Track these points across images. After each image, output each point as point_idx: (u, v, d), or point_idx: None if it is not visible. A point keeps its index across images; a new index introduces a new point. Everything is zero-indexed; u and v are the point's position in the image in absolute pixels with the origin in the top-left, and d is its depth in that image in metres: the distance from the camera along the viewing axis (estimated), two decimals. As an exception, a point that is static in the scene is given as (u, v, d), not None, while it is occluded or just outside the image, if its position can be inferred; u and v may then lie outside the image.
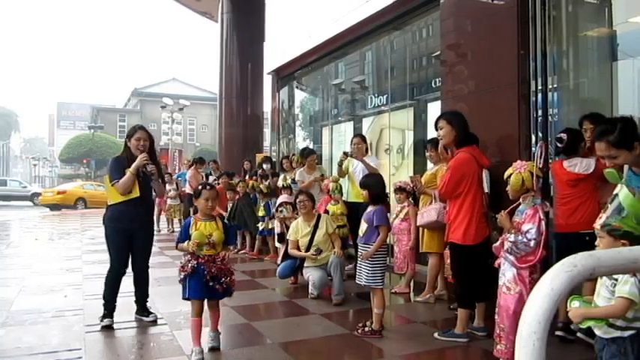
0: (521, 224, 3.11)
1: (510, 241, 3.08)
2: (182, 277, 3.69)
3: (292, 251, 5.83)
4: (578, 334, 3.94)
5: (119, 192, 4.38)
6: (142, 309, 4.69)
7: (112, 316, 4.46)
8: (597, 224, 2.24)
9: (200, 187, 3.89)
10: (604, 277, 2.26)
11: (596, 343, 2.32)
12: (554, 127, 5.05)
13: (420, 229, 5.54)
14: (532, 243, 3.03)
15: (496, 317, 3.19)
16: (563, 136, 4.04)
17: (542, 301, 0.95)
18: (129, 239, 4.50)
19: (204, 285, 3.65)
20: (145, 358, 3.71)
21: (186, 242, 3.72)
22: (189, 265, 3.65)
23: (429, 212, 5.22)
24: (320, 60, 10.60)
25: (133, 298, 4.70)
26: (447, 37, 6.10)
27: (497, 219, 3.20)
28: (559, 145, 4.06)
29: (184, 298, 3.74)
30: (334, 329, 4.48)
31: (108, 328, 4.35)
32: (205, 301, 3.79)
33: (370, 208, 4.36)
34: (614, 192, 2.41)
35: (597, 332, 2.23)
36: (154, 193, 4.83)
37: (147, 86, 51.32)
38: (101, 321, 4.41)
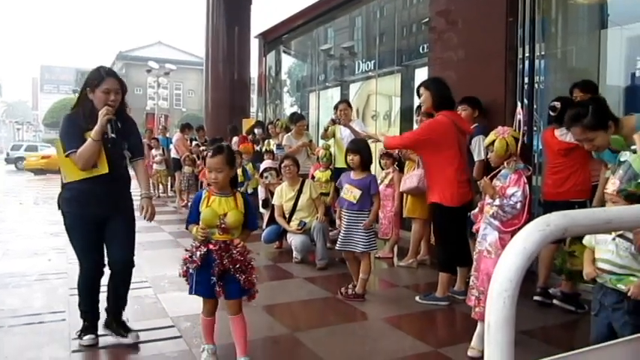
0: (505, 188, 3.13)
1: (496, 205, 3.08)
2: (185, 268, 2.92)
3: (279, 219, 5.85)
4: (555, 301, 4.03)
5: (78, 166, 3.05)
6: (117, 323, 3.36)
7: (94, 330, 3.31)
8: (610, 190, 2.25)
9: (206, 153, 3.21)
10: (611, 242, 2.29)
11: (604, 296, 2.34)
12: (541, 95, 5.05)
13: (404, 194, 5.57)
14: (519, 205, 3.05)
15: (473, 281, 3.23)
16: (557, 104, 3.99)
17: (515, 260, 0.95)
18: (99, 228, 3.20)
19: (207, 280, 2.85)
20: (128, 320, 3.73)
21: (194, 227, 2.89)
22: (198, 254, 2.82)
23: (410, 178, 5.25)
24: (308, 24, 10.45)
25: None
26: (436, 3, 6.03)
27: (480, 185, 3.21)
28: (552, 113, 4.03)
29: (190, 293, 2.94)
30: (318, 293, 4.54)
31: (92, 347, 3.23)
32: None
33: (362, 174, 4.33)
34: (621, 159, 2.41)
35: (622, 287, 2.25)
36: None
37: (132, 49, 50.28)
38: (80, 337, 3.25)
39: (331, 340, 3.47)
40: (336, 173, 6.34)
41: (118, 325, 3.35)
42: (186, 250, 2.94)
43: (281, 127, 7.98)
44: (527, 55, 4.95)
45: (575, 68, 5.50)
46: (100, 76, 3.13)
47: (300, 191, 5.74)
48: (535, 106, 4.96)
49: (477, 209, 3.33)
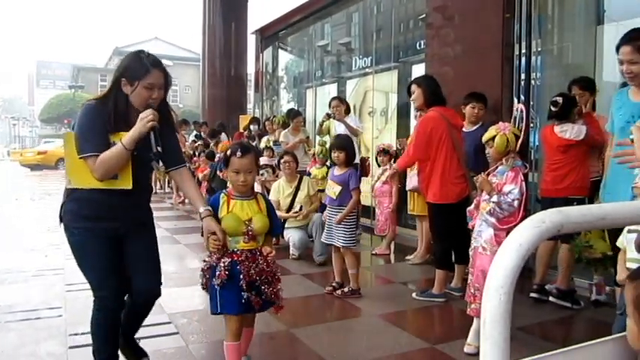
0: (502, 185, 3.13)
1: (493, 202, 3.09)
2: (205, 279, 2.58)
3: (277, 212, 5.85)
4: (551, 298, 4.05)
5: (96, 174, 2.35)
6: (130, 347, 2.83)
7: None
8: None
9: (229, 153, 2.63)
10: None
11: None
12: (537, 91, 5.06)
13: (409, 192, 5.58)
14: (516, 203, 3.05)
15: (470, 278, 3.24)
16: (559, 99, 3.97)
17: (510, 256, 0.96)
18: (116, 247, 2.53)
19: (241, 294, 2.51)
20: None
21: (210, 236, 2.50)
22: (222, 265, 2.48)
23: (416, 176, 5.19)
24: (305, 20, 10.43)
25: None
26: (433, -1, 6.02)
27: (477, 181, 3.21)
28: (553, 108, 4.00)
29: (214, 313, 2.57)
30: (315, 289, 4.54)
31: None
32: None
33: (343, 170, 4.31)
34: None
35: None
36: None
37: (129, 45, 50.10)
38: None
39: (328, 337, 3.48)
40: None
41: (131, 350, 2.82)
42: (205, 261, 2.61)
43: (278, 124, 7.99)
44: (523, 51, 4.96)
45: (571, 64, 5.50)
46: (144, 66, 2.39)
47: (297, 188, 5.74)
48: (532, 103, 4.97)
49: (472, 205, 3.34)
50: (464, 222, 4.14)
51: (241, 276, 2.48)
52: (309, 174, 6.34)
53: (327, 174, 6.27)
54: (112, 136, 2.38)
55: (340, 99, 6.65)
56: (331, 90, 9.89)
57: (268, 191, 6.26)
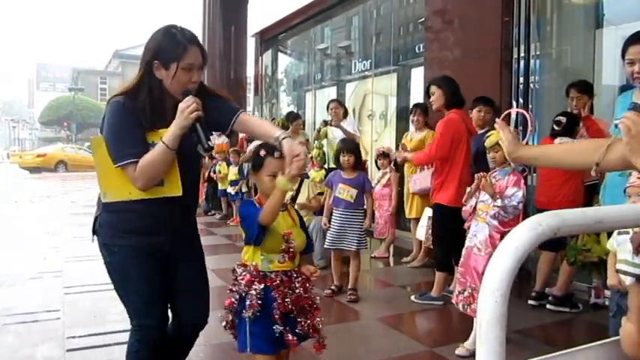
0: (503, 188, 3.13)
1: (498, 206, 3.09)
2: (232, 316, 2.17)
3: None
4: (548, 305, 4.03)
5: (138, 184, 1.96)
6: None
7: None
8: (638, 183, 2.25)
9: (263, 153, 2.17)
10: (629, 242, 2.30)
11: (622, 298, 2.35)
12: (536, 94, 5.07)
13: (406, 194, 5.58)
14: (520, 206, 3.07)
15: (461, 279, 3.23)
16: (562, 119, 3.97)
17: (506, 259, 0.96)
18: (162, 266, 2.12)
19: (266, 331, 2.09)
20: (123, 318, 3.72)
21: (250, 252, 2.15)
22: (254, 293, 2.06)
23: (424, 179, 5.11)
24: (304, 23, 10.44)
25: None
26: (432, 3, 6.04)
27: (481, 182, 3.19)
28: (556, 127, 4.00)
29: (242, 351, 2.15)
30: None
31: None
32: None
33: (354, 173, 4.33)
34: None
35: None
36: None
37: (128, 48, 50.20)
38: None
39: (326, 340, 3.46)
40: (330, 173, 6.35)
41: None
42: (231, 291, 2.16)
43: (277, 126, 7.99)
44: (522, 54, 4.97)
45: (570, 68, 5.51)
46: (179, 44, 1.96)
47: (297, 191, 5.74)
48: (530, 106, 4.97)
49: (468, 206, 3.33)
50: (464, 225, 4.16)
51: (275, 304, 2.06)
52: (307, 176, 6.34)
53: (324, 177, 6.29)
54: (149, 135, 1.98)
55: (339, 102, 6.66)
56: (331, 93, 9.89)
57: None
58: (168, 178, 2.00)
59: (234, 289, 2.14)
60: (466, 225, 3.35)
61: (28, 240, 6.59)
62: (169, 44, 1.97)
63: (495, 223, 3.08)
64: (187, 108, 1.91)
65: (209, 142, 1.96)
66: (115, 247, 2.07)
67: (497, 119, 1.70)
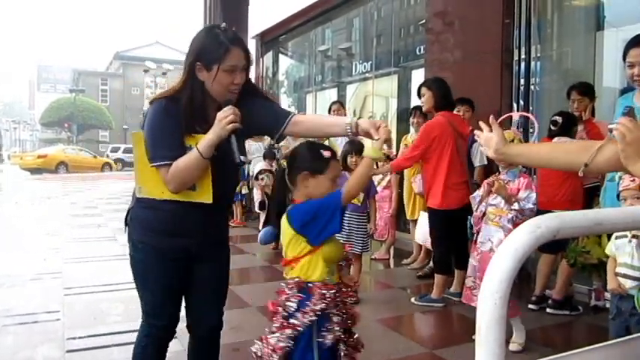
0: (516, 190, 3.14)
1: (515, 210, 3.09)
2: (281, 338, 1.87)
3: None
4: (548, 309, 4.02)
5: (169, 186, 1.95)
6: None
7: None
8: (632, 185, 2.26)
9: (327, 155, 1.99)
10: (628, 245, 2.30)
11: (621, 301, 2.35)
12: (536, 97, 5.07)
13: (406, 196, 5.58)
14: (535, 208, 3.07)
15: (471, 283, 3.23)
16: (558, 119, 3.97)
17: (506, 261, 0.96)
18: (181, 269, 2.11)
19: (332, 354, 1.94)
20: (123, 319, 3.72)
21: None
22: (318, 307, 1.86)
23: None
24: (305, 25, 10.45)
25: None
26: (432, 5, 6.05)
27: (494, 187, 3.17)
28: (553, 127, 4.01)
29: None
30: (313, 294, 4.53)
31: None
32: None
33: None
34: None
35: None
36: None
37: (129, 49, 50.31)
38: None
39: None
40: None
41: None
42: (277, 314, 1.94)
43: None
44: (523, 56, 4.98)
45: (570, 70, 5.51)
46: (222, 44, 1.92)
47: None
48: (531, 108, 4.98)
49: (478, 211, 3.32)
50: (464, 227, 4.17)
51: (336, 319, 1.91)
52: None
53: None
54: (187, 139, 1.96)
55: (341, 103, 6.67)
56: (331, 95, 9.90)
57: (267, 196, 6.26)
58: (200, 183, 1.98)
59: (280, 303, 1.93)
60: (475, 229, 3.35)
61: (28, 241, 6.59)
62: (211, 45, 1.94)
63: (510, 226, 3.08)
64: (225, 118, 1.88)
65: (241, 157, 1.95)
66: (140, 243, 2.08)
67: (491, 116, 1.69)
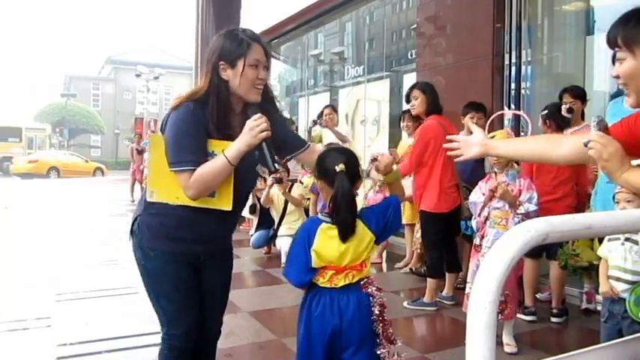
0: (518, 192, 3.15)
1: (521, 213, 3.10)
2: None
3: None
4: (552, 319, 3.99)
5: (189, 192, 1.91)
6: None
7: None
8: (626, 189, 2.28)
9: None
10: (621, 247, 2.31)
11: (613, 304, 2.36)
12: (527, 100, 5.10)
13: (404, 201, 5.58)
14: (537, 208, 3.09)
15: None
16: (543, 112, 3.91)
17: (496, 266, 0.96)
18: (195, 274, 2.10)
19: None
20: (113, 324, 3.70)
21: None
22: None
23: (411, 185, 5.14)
24: (298, 29, 10.47)
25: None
26: (424, 9, 6.08)
27: (498, 192, 3.17)
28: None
29: None
30: (306, 298, 4.52)
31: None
32: None
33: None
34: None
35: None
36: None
37: (122, 53, 50.14)
38: None
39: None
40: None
41: None
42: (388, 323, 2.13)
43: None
44: (514, 61, 5.01)
45: (561, 74, 5.55)
46: (243, 41, 1.95)
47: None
48: (522, 112, 5.01)
49: (481, 216, 3.32)
50: (455, 231, 4.18)
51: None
52: (301, 183, 6.35)
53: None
54: (211, 145, 1.93)
55: (333, 107, 6.68)
56: (324, 99, 9.91)
57: (259, 199, 6.26)
58: (220, 190, 1.95)
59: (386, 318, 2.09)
60: (479, 234, 3.35)
61: (18, 246, 6.54)
62: (233, 43, 1.95)
63: None
64: (257, 127, 1.87)
65: (275, 165, 1.93)
66: (152, 250, 2.02)
67: (466, 117, 1.75)
